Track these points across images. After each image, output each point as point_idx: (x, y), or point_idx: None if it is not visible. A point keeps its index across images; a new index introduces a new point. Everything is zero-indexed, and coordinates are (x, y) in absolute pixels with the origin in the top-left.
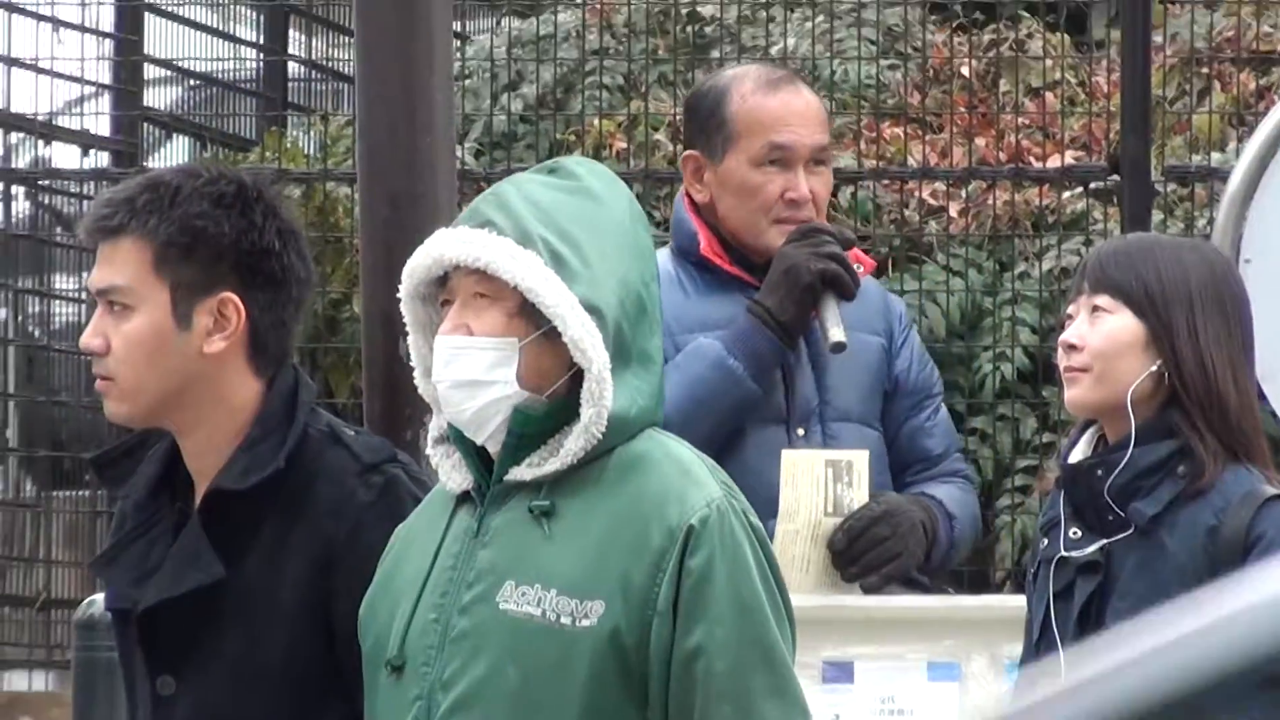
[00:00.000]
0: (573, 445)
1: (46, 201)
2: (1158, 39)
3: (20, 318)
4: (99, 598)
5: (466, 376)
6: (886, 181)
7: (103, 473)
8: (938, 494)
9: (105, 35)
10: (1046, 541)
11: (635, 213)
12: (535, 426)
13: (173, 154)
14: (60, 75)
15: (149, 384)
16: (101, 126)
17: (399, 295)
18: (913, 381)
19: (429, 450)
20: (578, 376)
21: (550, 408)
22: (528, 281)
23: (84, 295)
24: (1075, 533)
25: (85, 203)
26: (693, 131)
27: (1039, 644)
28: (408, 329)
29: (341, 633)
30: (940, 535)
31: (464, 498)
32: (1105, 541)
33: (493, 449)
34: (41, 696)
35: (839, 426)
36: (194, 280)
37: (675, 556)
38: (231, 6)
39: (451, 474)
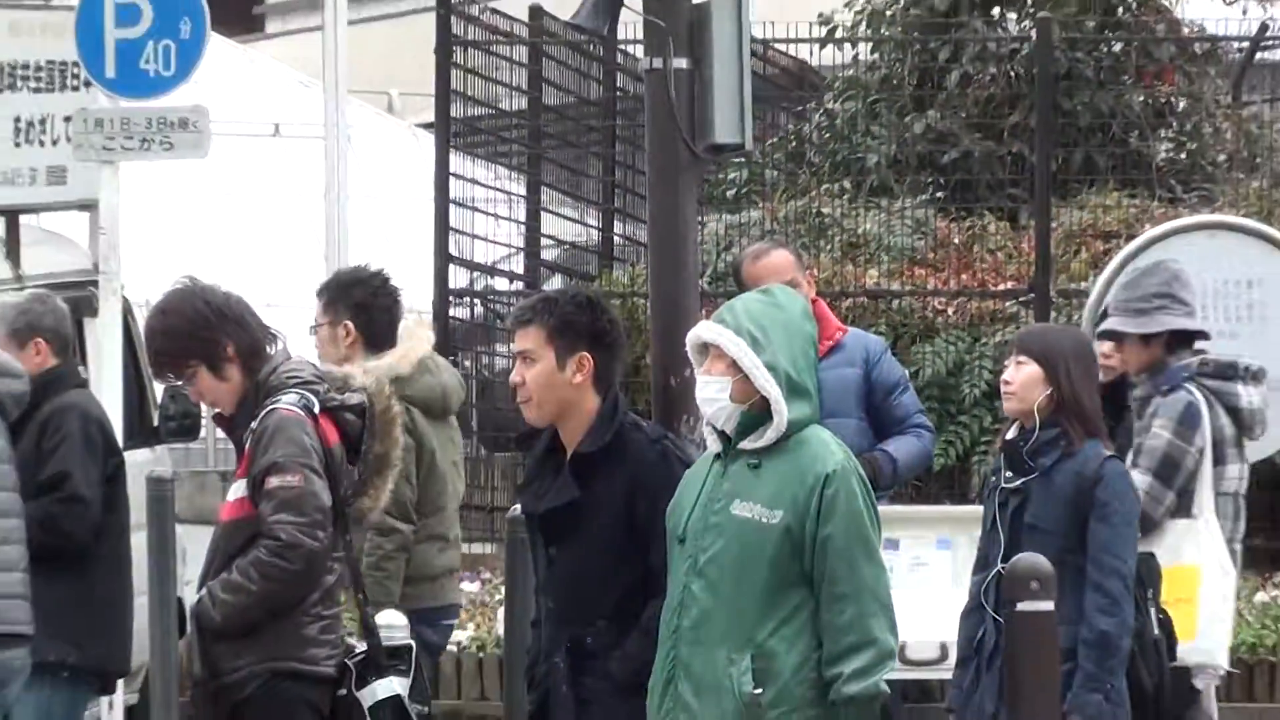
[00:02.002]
0: (770, 434)
1: (492, 307)
2: (1059, 220)
3: (478, 366)
4: (517, 507)
5: (705, 396)
6: (916, 295)
7: (521, 444)
8: (890, 445)
9: (519, 223)
10: (994, 479)
11: (805, 312)
12: (751, 422)
13: (554, 282)
14: (494, 241)
15: (546, 401)
16: (516, 266)
17: (683, 351)
18: (884, 381)
19: (704, 430)
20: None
21: (756, 414)
22: (735, 352)
23: (511, 356)
24: (1009, 475)
25: (509, 307)
26: (738, 284)
27: (990, 532)
28: (691, 371)
29: (640, 524)
30: (883, 470)
31: (716, 457)
32: (1023, 480)
33: (729, 430)
34: (489, 557)
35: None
36: (567, 346)
37: (819, 489)
38: (587, 207)
39: (711, 443)
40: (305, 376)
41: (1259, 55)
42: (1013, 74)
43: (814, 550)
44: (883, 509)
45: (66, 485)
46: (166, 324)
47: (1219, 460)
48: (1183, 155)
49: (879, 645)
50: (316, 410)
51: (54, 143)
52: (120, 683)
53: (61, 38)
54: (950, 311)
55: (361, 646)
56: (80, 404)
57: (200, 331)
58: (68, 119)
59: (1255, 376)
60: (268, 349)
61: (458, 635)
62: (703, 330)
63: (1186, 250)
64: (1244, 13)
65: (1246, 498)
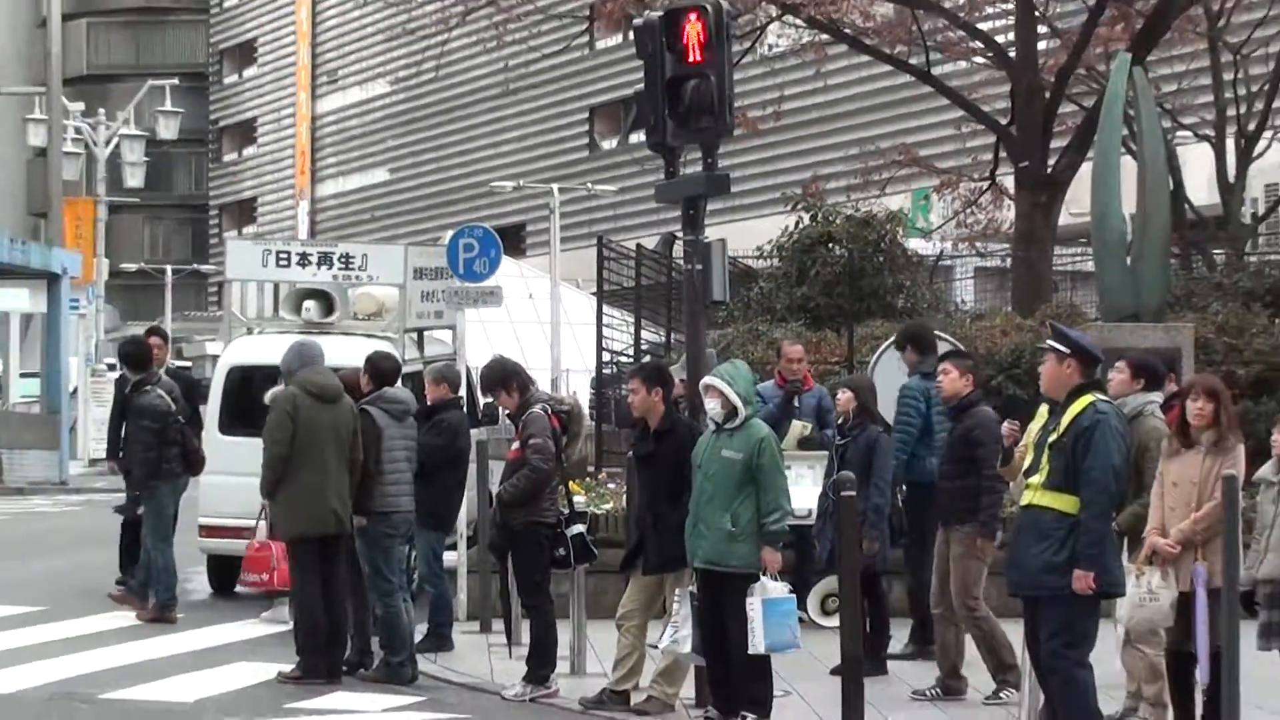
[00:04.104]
0: (736, 421)
1: (621, 369)
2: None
3: (616, 394)
4: (631, 452)
5: (709, 408)
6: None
7: (633, 426)
8: (827, 431)
9: (631, 333)
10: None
11: (747, 371)
12: (727, 417)
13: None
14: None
15: (641, 408)
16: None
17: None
18: (826, 406)
19: (708, 421)
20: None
21: (729, 413)
22: (722, 388)
23: (628, 390)
24: (840, 438)
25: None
26: (778, 355)
27: (832, 462)
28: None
29: (681, 460)
30: (826, 441)
31: (713, 431)
32: (844, 440)
33: (719, 420)
34: (619, 474)
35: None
36: (649, 385)
37: (756, 444)
38: (659, 328)
39: (711, 426)
40: (542, 398)
41: (940, 263)
42: (838, 269)
43: (755, 470)
44: (789, 453)
45: (446, 441)
46: (489, 372)
47: None
48: (909, 304)
49: (784, 509)
50: (549, 412)
51: (439, 301)
52: (461, 526)
53: (442, 259)
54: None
55: (566, 511)
56: (455, 419)
57: (504, 376)
58: (443, 292)
59: None
60: (529, 386)
61: (605, 506)
62: (708, 379)
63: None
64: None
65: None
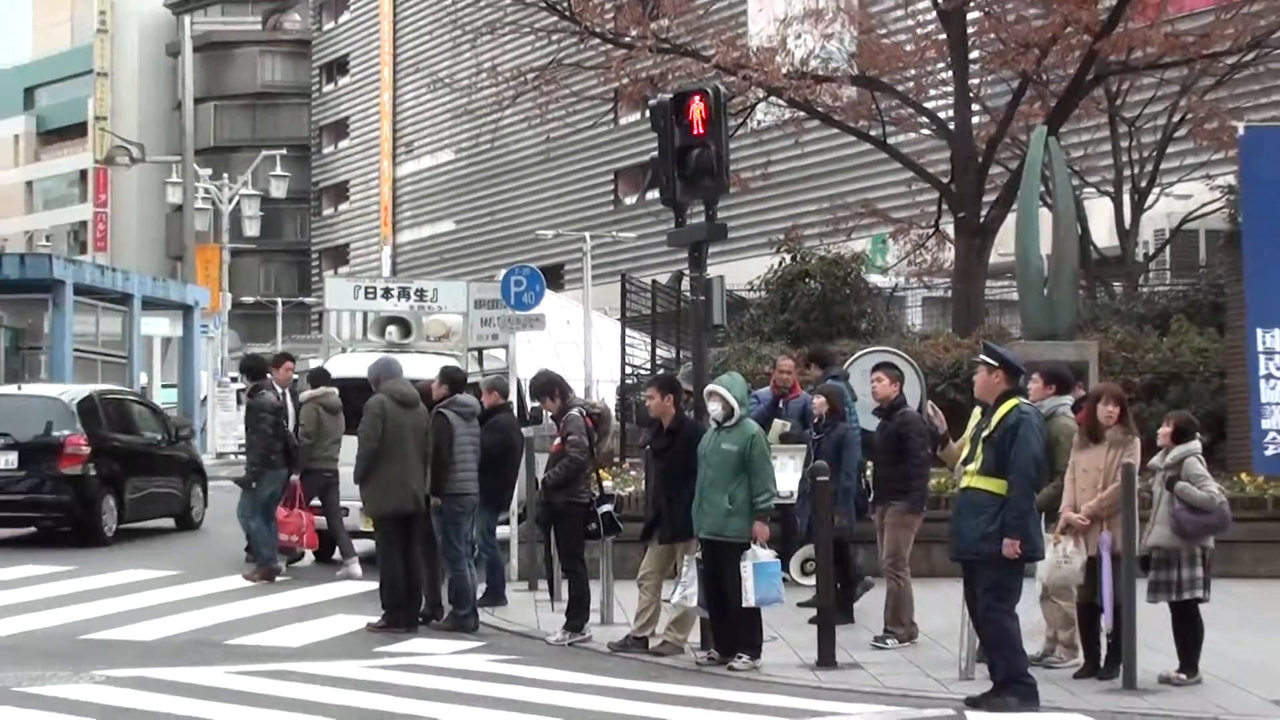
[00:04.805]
0: (732, 421)
1: (640, 380)
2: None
3: (637, 399)
4: (648, 446)
5: (711, 410)
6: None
7: (650, 425)
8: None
9: (649, 350)
10: (815, 435)
11: (742, 380)
12: (726, 417)
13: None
14: (637, 359)
15: (657, 409)
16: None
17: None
18: (810, 412)
19: (710, 421)
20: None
21: (727, 414)
22: (722, 394)
23: (646, 396)
24: (815, 434)
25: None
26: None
27: (810, 453)
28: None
29: (689, 453)
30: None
31: (714, 429)
32: (818, 435)
33: (719, 420)
34: (639, 464)
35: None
36: (663, 391)
37: (748, 439)
38: (671, 346)
39: (713, 424)
40: (578, 403)
41: (895, 294)
42: (814, 299)
43: (747, 460)
44: (776, 446)
45: (501, 438)
46: (537, 382)
47: None
48: (869, 327)
49: (770, 490)
50: (584, 413)
51: (495, 326)
52: (513, 506)
53: (497, 292)
54: None
55: (597, 493)
56: (508, 420)
57: (548, 385)
58: (498, 318)
59: None
60: (568, 394)
61: (628, 489)
62: (711, 387)
63: (866, 360)
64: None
65: None
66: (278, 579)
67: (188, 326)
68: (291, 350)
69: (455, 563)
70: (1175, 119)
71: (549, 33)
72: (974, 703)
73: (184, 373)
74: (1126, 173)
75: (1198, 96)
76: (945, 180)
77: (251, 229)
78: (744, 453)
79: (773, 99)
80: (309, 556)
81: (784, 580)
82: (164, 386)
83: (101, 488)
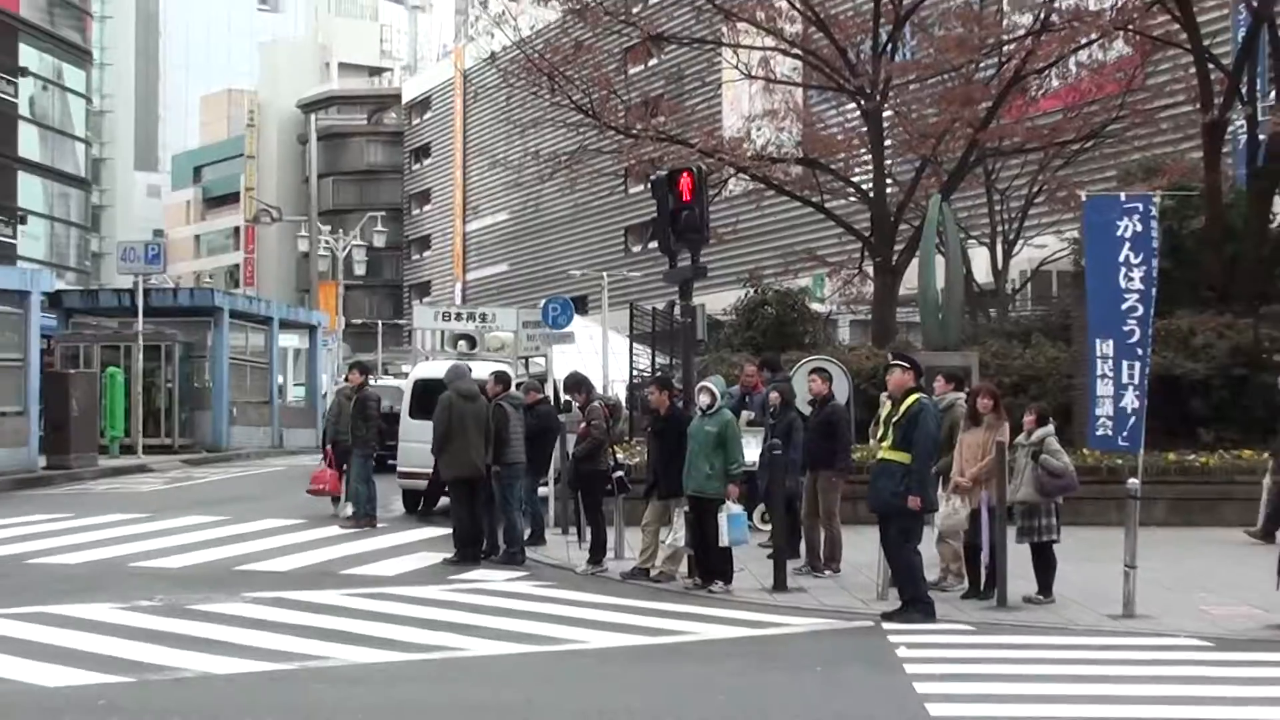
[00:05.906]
0: (714, 409)
1: (644, 382)
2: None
3: (643, 395)
4: (650, 428)
5: (700, 402)
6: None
7: (650, 414)
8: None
9: (652, 358)
10: (772, 421)
11: (724, 381)
12: (709, 406)
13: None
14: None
15: (657, 402)
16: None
17: (695, 390)
18: (766, 409)
19: (696, 409)
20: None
21: (711, 404)
22: (710, 388)
23: (648, 393)
24: (771, 421)
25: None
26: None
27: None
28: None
29: (681, 434)
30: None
31: (700, 415)
32: (773, 422)
33: (705, 408)
34: (644, 441)
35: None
36: (662, 388)
37: (723, 422)
38: (668, 355)
39: (699, 412)
40: (599, 397)
41: (830, 317)
42: (770, 321)
43: (723, 438)
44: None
45: (541, 424)
46: (569, 381)
47: None
48: (812, 342)
49: (740, 461)
50: (604, 404)
51: (537, 340)
52: (550, 473)
53: (539, 316)
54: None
55: (612, 463)
56: (547, 409)
57: (577, 383)
58: (539, 335)
59: None
60: (592, 390)
61: (635, 460)
62: (703, 383)
63: (806, 366)
64: (827, 304)
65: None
66: (378, 525)
67: (312, 341)
68: (389, 358)
69: (508, 513)
70: (1035, 189)
71: (577, 126)
72: (887, 616)
73: (309, 375)
74: (1000, 228)
75: (1051, 173)
76: (867, 233)
77: (359, 270)
78: (721, 433)
79: (740, 175)
80: (400, 507)
81: (749, 527)
82: (295, 385)
83: None
